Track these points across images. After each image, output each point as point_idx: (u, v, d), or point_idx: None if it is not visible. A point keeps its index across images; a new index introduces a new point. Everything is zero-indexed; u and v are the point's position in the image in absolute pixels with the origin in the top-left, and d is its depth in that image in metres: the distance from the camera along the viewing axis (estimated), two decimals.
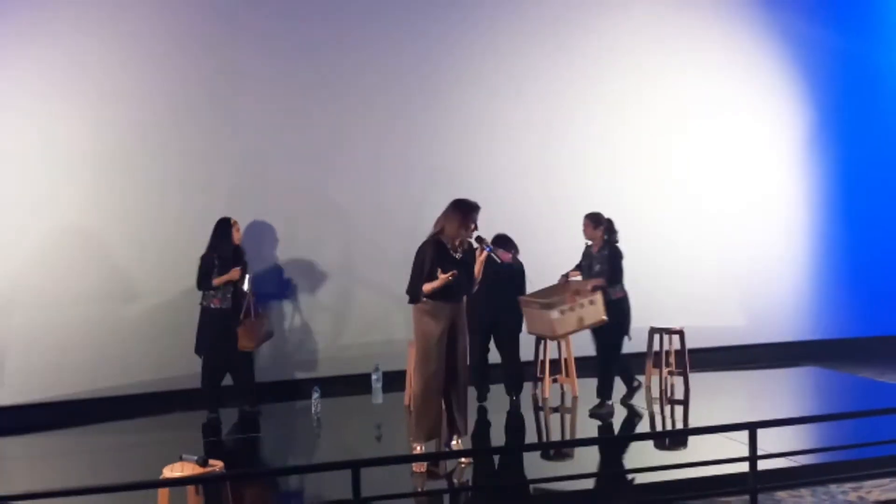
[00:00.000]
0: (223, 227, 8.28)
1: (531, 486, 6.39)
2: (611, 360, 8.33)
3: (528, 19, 9.96)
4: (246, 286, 8.23)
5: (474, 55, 9.82)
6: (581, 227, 8.39)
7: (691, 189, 10.46)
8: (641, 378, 8.95)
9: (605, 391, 8.25)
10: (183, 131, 8.97)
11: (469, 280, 6.72)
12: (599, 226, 8.33)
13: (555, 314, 8.00)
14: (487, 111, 9.83)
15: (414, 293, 6.71)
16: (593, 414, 8.17)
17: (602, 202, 10.00)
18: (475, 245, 6.73)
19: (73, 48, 8.64)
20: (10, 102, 8.47)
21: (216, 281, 8.10)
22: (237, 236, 8.34)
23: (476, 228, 6.70)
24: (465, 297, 6.82)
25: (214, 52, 9.08)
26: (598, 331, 8.23)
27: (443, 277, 6.48)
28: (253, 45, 9.19)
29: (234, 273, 8.14)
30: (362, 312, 9.51)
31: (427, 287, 6.58)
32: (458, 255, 6.66)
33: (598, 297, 8.03)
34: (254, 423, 8.25)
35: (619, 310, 8.16)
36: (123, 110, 8.79)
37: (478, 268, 6.74)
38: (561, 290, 8.27)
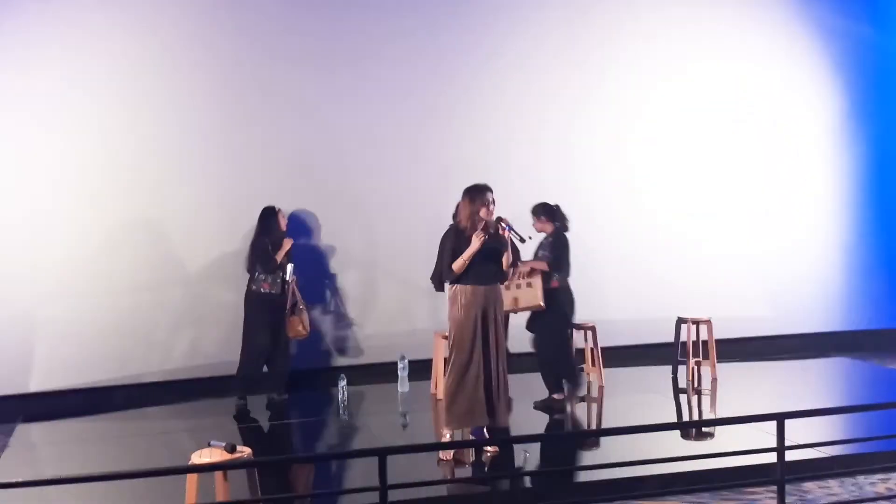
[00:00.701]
0: (270, 214, 8.36)
1: (557, 475, 6.38)
2: (555, 354, 8.11)
3: (548, 12, 9.91)
4: (289, 275, 8.27)
5: (495, 48, 9.80)
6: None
7: (720, 181, 10.41)
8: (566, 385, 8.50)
9: (555, 385, 8.13)
10: (212, 126, 9.03)
11: (497, 265, 6.61)
12: (541, 216, 8.14)
13: None
14: (508, 103, 9.81)
15: (438, 279, 6.70)
16: (538, 406, 8.10)
17: (630, 194, 10.07)
18: (500, 226, 6.60)
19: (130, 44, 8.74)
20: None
21: (278, 256, 8.20)
22: (283, 223, 8.45)
23: (493, 208, 6.58)
24: (499, 283, 6.71)
25: (253, 46, 9.13)
26: (537, 322, 8.11)
27: (474, 242, 6.43)
28: (286, 39, 9.23)
29: (288, 243, 8.29)
30: (387, 302, 9.53)
31: (457, 264, 6.52)
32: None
33: (537, 280, 7.88)
34: (282, 411, 8.29)
35: (553, 300, 7.95)
36: (160, 105, 8.87)
37: (508, 248, 6.61)
38: None
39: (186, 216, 8.91)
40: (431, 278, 7.49)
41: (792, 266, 10.59)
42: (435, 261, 7.10)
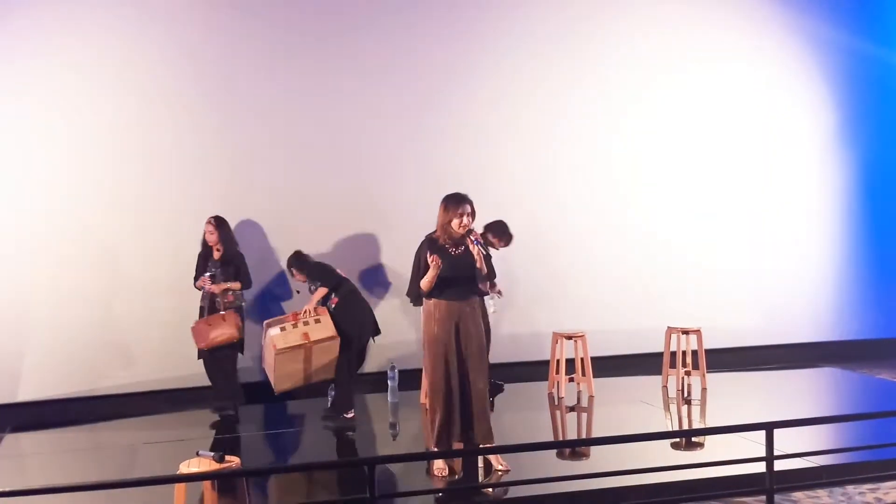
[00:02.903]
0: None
1: (547, 486, 6.38)
2: (344, 370, 8.20)
3: (543, 21, 9.92)
4: (206, 284, 8.17)
5: (487, 55, 9.81)
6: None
7: (711, 191, 10.42)
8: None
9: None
10: (189, 128, 9.02)
11: (470, 278, 6.44)
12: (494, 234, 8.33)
13: (275, 331, 8.02)
14: (500, 113, 9.80)
15: (413, 294, 6.63)
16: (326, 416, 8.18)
17: (620, 204, 10.08)
18: (469, 239, 6.42)
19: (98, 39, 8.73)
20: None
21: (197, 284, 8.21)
22: (210, 237, 8.25)
23: (467, 221, 6.41)
24: (476, 297, 6.61)
25: (235, 49, 9.13)
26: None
27: (431, 268, 6.30)
28: (274, 42, 9.23)
29: (202, 281, 8.18)
30: (377, 311, 9.49)
31: (423, 283, 6.44)
32: (454, 252, 6.44)
33: (324, 315, 8.05)
34: (277, 421, 8.23)
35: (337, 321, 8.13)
36: (154, 112, 8.89)
37: (478, 263, 6.40)
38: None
39: (175, 225, 8.88)
40: (407, 293, 7.49)
41: (781, 276, 10.62)
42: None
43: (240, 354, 8.29)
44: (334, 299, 8.21)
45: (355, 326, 8.20)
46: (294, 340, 7.95)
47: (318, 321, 8.04)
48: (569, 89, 9.99)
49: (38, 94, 8.59)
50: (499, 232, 8.38)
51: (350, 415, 8.14)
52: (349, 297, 8.27)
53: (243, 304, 8.34)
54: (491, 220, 8.34)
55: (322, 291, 8.16)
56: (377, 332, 8.46)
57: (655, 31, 10.22)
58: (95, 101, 8.74)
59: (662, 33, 10.24)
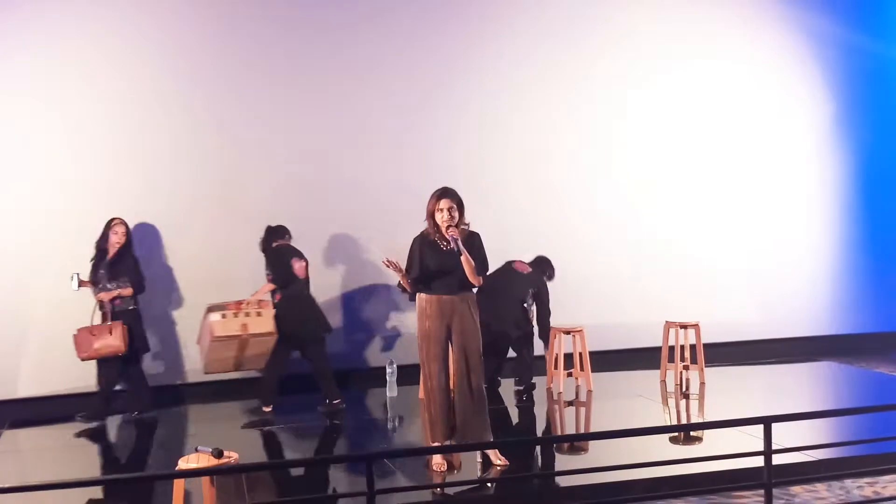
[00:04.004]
0: (105, 226, 8.17)
1: (545, 480, 6.39)
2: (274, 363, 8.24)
3: (544, 18, 9.92)
4: (74, 286, 8.05)
5: (487, 53, 9.81)
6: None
7: (708, 186, 10.43)
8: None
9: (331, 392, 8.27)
10: (189, 129, 9.03)
11: (461, 272, 6.36)
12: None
13: (215, 316, 7.96)
14: (499, 110, 9.81)
15: (402, 288, 6.65)
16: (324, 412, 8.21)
17: (618, 198, 10.08)
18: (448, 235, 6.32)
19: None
20: None
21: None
22: (114, 237, 8.12)
23: (448, 216, 6.30)
24: (470, 293, 6.54)
25: (236, 49, 9.13)
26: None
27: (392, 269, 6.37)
28: (271, 44, 9.23)
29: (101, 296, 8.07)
30: (376, 306, 9.52)
31: (403, 282, 6.50)
32: (444, 247, 6.39)
33: (267, 309, 8.04)
34: (269, 418, 8.22)
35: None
36: (134, 103, 8.88)
37: (463, 257, 6.29)
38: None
39: (177, 220, 8.90)
40: (398, 285, 7.50)
41: (780, 270, 10.63)
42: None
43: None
44: (279, 295, 8.17)
45: (296, 326, 8.16)
46: (232, 330, 7.93)
47: (259, 314, 8.01)
48: (567, 86, 10.00)
49: (38, 94, 8.61)
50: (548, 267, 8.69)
51: (268, 409, 8.19)
52: (295, 298, 8.18)
53: (133, 308, 8.20)
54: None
55: (269, 287, 8.14)
56: (327, 330, 8.40)
57: (651, 28, 10.22)
58: (96, 101, 8.76)
59: (659, 30, 10.23)
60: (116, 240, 8.10)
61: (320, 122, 9.31)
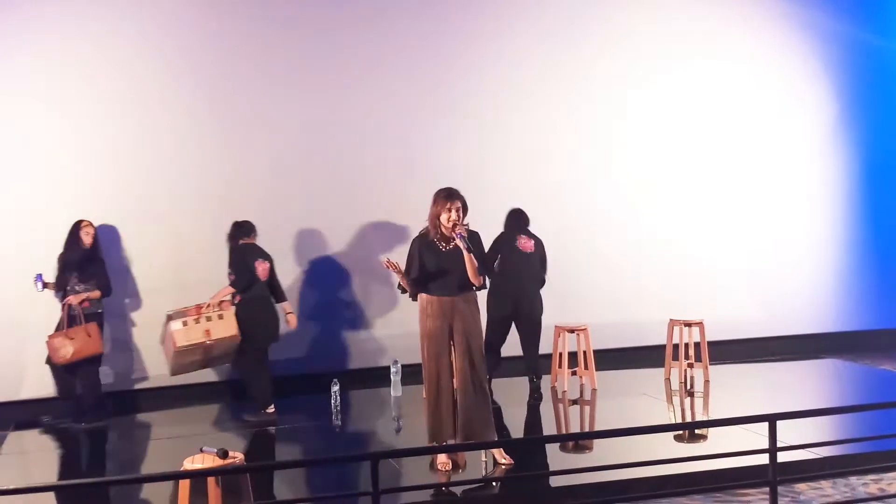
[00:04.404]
0: (73, 229, 8.10)
1: (550, 479, 6.38)
2: (253, 368, 8.15)
3: (544, 17, 9.92)
4: (39, 287, 7.99)
5: (487, 52, 9.81)
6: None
7: (711, 184, 10.43)
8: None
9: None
10: (202, 130, 9.05)
11: (462, 273, 6.35)
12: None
13: (176, 325, 7.83)
14: (500, 108, 9.81)
15: (402, 288, 6.65)
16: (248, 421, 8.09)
17: (621, 196, 10.08)
18: (452, 234, 6.32)
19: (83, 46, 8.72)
20: None
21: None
22: (87, 239, 8.08)
23: (455, 217, 6.29)
24: (471, 292, 6.53)
25: (236, 49, 9.14)
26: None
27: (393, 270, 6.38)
28: (271, 44, 9.24)
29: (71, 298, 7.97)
30: (380, 306, 9.51)
31: (403, 282, 6.49)
32: (444, 247, 6.40)
33: (228, 310, 7.92)
34: (274, 418, 8.19)
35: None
36: (133, 103, 8.91)
37: (467, 256, 6.29)
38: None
39: (175, 225, 8.90)
40: (398, 286, 7.49)
41: (783, 268, 10.62)
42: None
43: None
44: (238, 297, 8.06)
45: (257, 327, 8.07)
46: (195, 338, 7.82)
47: (221, 317, 7.91)
48: (567, 86, 10.00)
49: (38, 94, 8.62)
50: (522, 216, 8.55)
51: (271, 409, 8.09)
52: (254, 300, 8.07)
53: (101, 311, 8.16)
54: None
55: (228, 290, 8.03)
56: (275, 339, 8.27)
57: (651, 28, 10.22)
58: (96, 101, 8.77)
59: (659, 30, 10.23)
60: (88, 241, 8.08)
61: (320, 121, 9.31)
